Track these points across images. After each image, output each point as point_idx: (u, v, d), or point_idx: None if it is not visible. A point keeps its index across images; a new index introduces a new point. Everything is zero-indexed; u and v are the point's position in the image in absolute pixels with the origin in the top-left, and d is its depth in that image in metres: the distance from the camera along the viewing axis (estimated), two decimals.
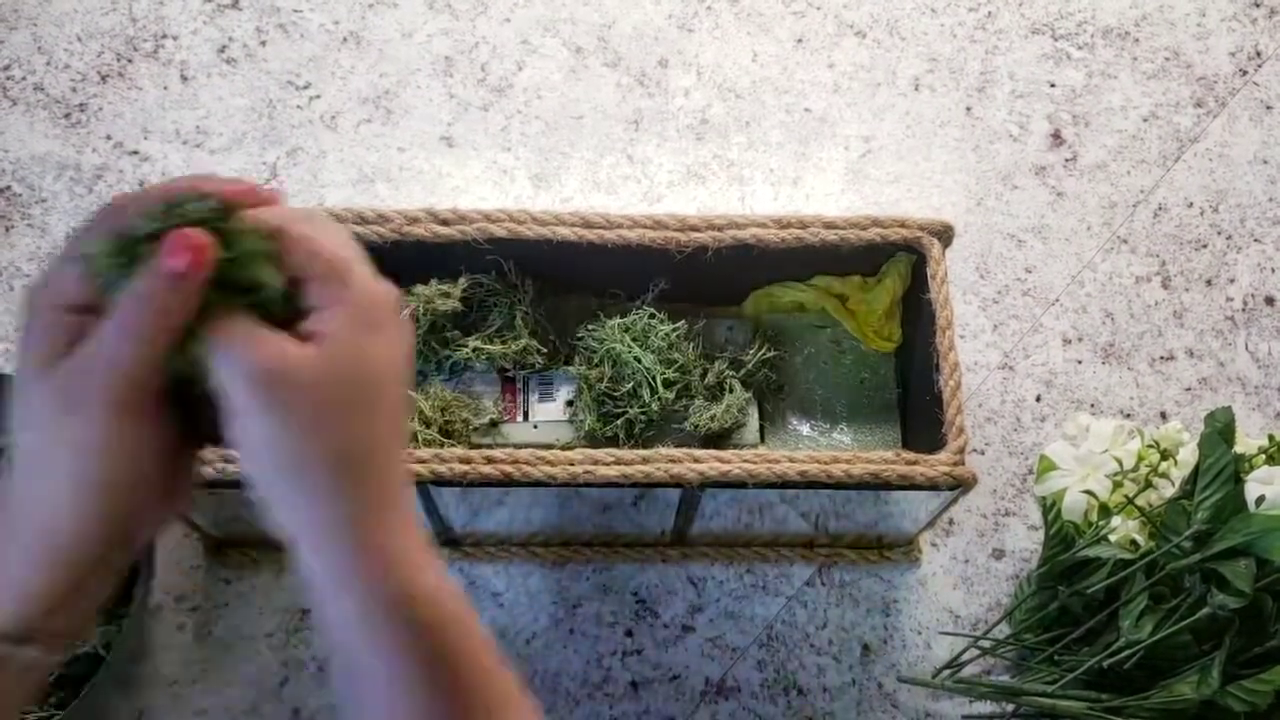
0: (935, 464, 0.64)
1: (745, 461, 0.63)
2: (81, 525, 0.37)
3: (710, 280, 0.72)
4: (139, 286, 0.35)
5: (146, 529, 0.39)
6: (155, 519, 0.40)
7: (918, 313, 0.71)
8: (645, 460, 0.64)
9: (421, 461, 0.62)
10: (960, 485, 0.64)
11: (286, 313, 0.36)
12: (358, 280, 0.37)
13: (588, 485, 0.64)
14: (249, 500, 0.37)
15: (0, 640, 0.36)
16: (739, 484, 0.63)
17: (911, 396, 0.73)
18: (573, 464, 0.63)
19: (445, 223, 0.68)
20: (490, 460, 0.63)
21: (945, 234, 0.71)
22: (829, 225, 0.70)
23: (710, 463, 0.63)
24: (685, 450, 0.64)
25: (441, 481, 0.62)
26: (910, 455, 0.65)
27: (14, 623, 0.37)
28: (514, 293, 0.72)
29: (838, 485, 0.64)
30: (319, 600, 0.38)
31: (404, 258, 0.68)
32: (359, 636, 0.37)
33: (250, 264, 0.36)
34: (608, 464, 0.63)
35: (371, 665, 0.37)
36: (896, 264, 0.73)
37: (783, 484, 0.63)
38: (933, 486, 0.64)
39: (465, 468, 0.62)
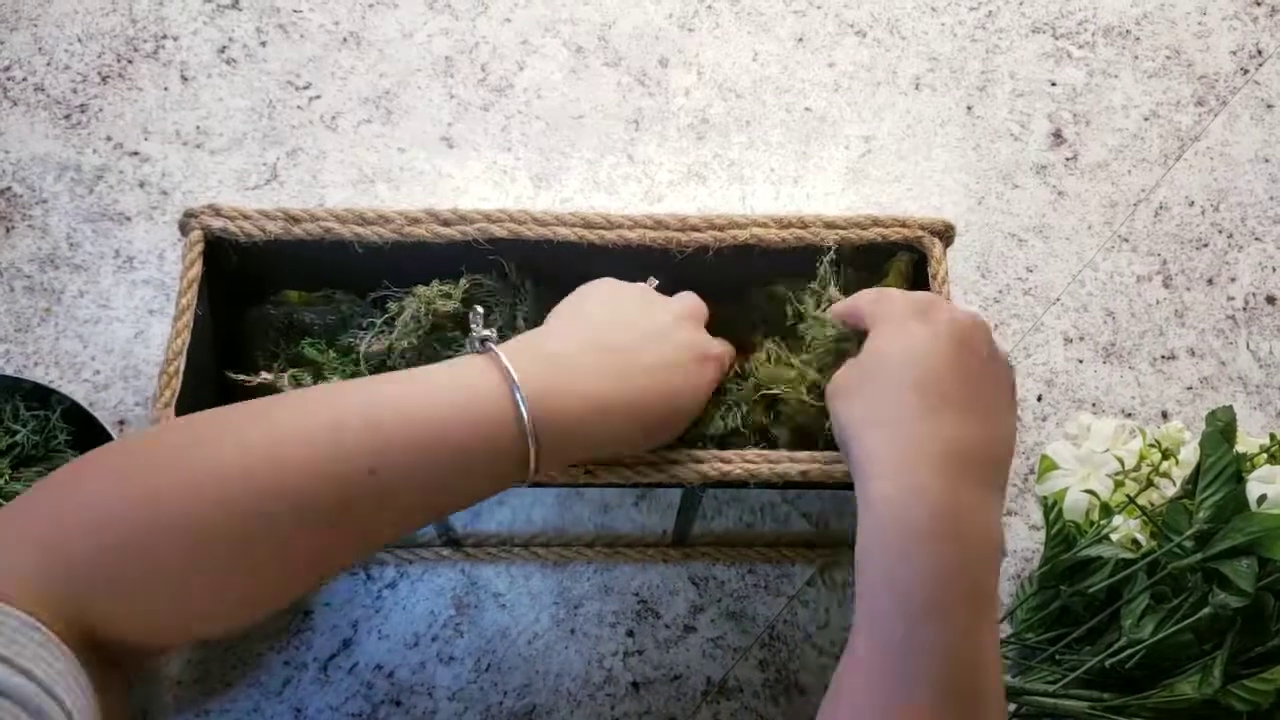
0: None
1: (747, 461, 0.63)
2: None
3: (711, 279, 0.72)
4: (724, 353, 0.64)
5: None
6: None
7: None
8: (645, 460, 0.64)
9: None
10: None
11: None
12: (867, 313, 0.59)
13: (589, 485, 0.63)
14: None
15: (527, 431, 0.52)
16: (740, 484, 0.63)
17: None
18: (573, 464, 0.63)
19: (446, 223, 0.68)
20: None
21: (946, 233, 0.71)
22: (830, 225, 0.70)
23: (712, 463, 0.63)
24: (686, 450, 0.64)
25: None
26: None
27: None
28: (515, 293, 0.72)
29: (839, 485, 0.64)
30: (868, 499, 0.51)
31: (405, 258, 0.68)
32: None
33: (831, 337, 0.64)
34: (608, 464, 0.63)
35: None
36: (898, 263, 0.73)
37: (784, 484, 0.63)
38: None
39: None
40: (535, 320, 0.72)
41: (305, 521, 0.46)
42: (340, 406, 0.49)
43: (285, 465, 0.45)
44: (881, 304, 0.58)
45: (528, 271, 0.72)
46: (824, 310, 0.66)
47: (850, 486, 0.64)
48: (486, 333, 0.64)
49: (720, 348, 0.63)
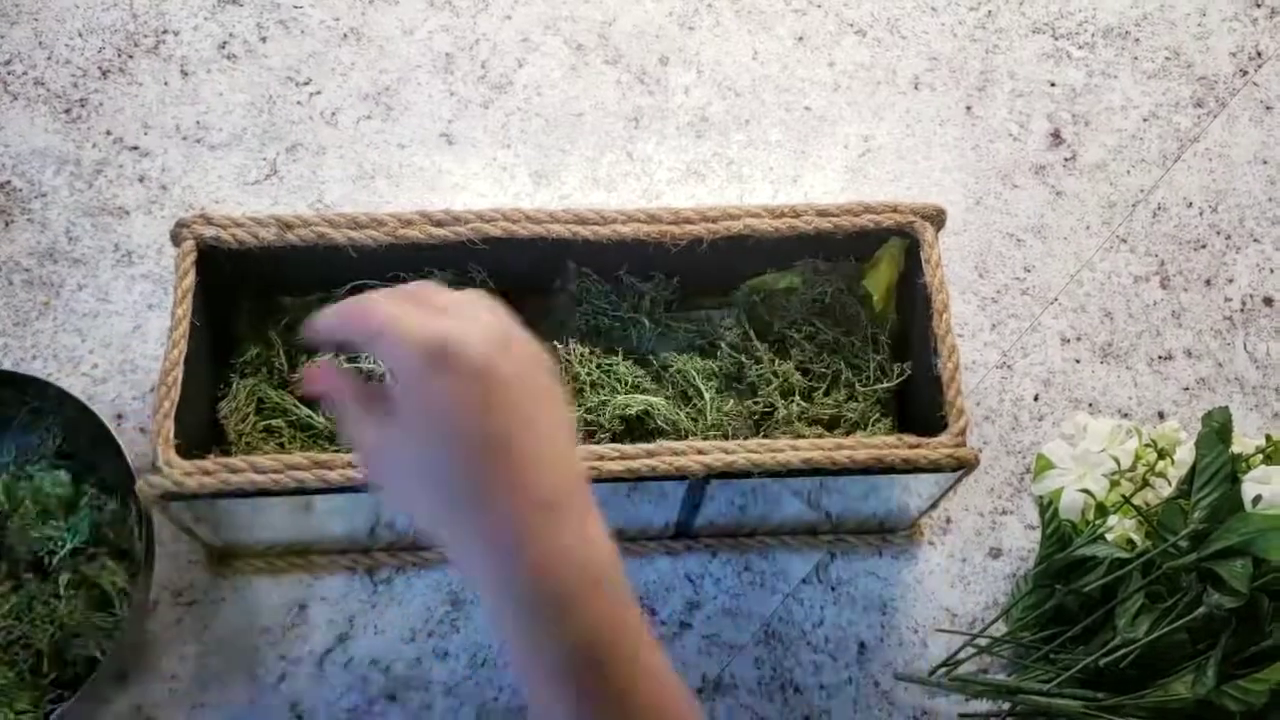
0: (938, 446, 0.65)
1: (750, 451, 0.63)
2: None
3: (707, 271, 0.72)
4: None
5: None
6: None
7: (913, 297, 0.71)
8: (649, 454, 0.64)
9: None
10: (963, 466, 0.64)
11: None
12: (385, 350, 0.43)
13: (595, 481, 0.63)
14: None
15: None
16: (744, 474, 0.63)
17: (909, 381, 0.73)
18: None
19: (440, 224, 0.67)
20: None
21: (937, 217, 0.71)
22: (822, 213, 0.70)
23: (715, 454, 0.63)
24: (689, 443, 0.64)
25: None
26: (912, 439, 0.65)
27: None
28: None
29: (842, 471, 0.64)
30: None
31: (399, 259, 0.68)
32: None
33: None
34: (612, 458, 0.63)
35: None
36: (890, 249, 0.73)
37: (788, 472, 0.64)
38: (936, 468, 0.64)
39: None
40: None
41: None
42: None
43: None
44: (388, 348, 0.42)
45: (522, 270, 0.72)
46: None
47: (859, 471, 0.64)
48: None
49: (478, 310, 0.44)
